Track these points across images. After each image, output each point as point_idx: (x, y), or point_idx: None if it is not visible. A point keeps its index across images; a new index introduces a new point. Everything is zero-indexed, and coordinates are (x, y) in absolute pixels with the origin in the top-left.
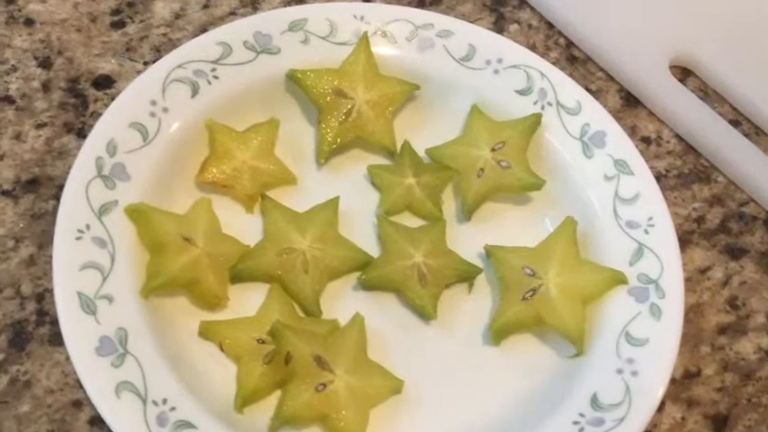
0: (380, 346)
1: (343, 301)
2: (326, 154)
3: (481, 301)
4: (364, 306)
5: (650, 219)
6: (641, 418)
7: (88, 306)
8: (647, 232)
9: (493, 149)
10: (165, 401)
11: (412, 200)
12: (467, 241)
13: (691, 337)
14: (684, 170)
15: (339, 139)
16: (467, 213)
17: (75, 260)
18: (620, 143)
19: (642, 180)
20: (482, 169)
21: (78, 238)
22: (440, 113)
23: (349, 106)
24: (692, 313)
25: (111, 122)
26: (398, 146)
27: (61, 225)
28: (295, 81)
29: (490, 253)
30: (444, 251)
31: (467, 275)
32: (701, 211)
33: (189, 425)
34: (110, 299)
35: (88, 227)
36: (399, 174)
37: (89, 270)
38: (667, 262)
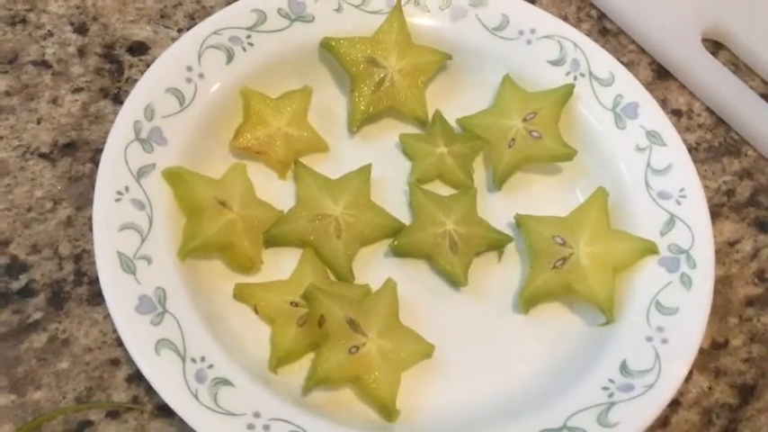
0: (411, 311)
1: (374, 268)
2: (359, 122)
3: (511, 270)
4: (395, 272)
5: (682, 190)
6: (671, 384)
7: (128, 266)
8: (678, 203)
9: (524, 120)
10: (203, 359)
11: (443, 169)
12: (497, 210)
13: (719, 309)
14: (715, 143)
15: (371, 108)
16: (497, 183)
17: (115, 221)
18: (652, 114)
19: (674, 151)
20: (513, 139)
21: (117, 200)
22: (471, 83)
23: (381, 75)
24: (721, 285)
25: (149, 87)
26: (430, 115)
27: (101, 186)
28: (328, 49)
29: (520, 222)
30: (475, 219)
31: (497, 244)
32: (730, 184)
33: (226, 382)
34: (148, 259)
35: (127, 189)
36: (431, 143)
37: (128, 231)
38: (699, 232)
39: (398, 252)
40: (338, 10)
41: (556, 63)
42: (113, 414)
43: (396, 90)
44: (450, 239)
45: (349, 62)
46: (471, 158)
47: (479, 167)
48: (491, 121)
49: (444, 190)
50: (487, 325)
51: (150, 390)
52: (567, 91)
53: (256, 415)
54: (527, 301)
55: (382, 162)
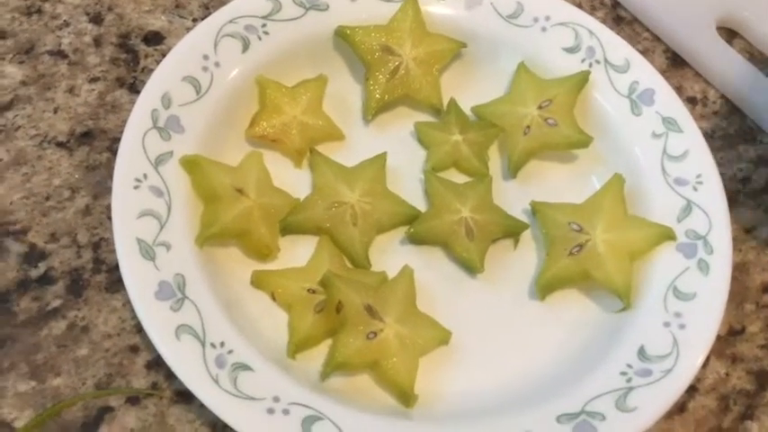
0: (428, 298)
1: (390, 255)
2: (373, 110)
3: (527, 257)
4: (412, 259)
5: (699, 176)
6: (689, 368)
7: (147, 252)
8: (695, 189)
9: (539, 107)
10: (222, 344)
11: (458, 157)
12: (512, 198)
13: (735, 295)
14: (730, 131)
15: (386, 96)
16: (513, 171)
17: (134, 208)
18: (668, 101)
19: (691, 137)
20: (528, 127)
21: (136, 187)
22: (486, 71)
23: (396, 63)
24: (737, 271)
25: (166, 75)
26: (445, 103)
27: (119, 173)
28: (343, 37)
29: (536, 209)
30: (491, 206)
31: (513, 231)
32: (746, 171)
33: (246, 367)
34: (167, 246)
35: (145, 176)
36: (446, 131)
37: (147, 218)
38: (716, 218)
39: (414, 239)
40: None
41: (571, 50)
42: (133, 400)
43: (410, 78)
44: (466, 226)
45: (364, 50)
46: (486, 146)
47: (494, 155)
48: (506, 109)
49: (459, 178)
50: (504, 312)
51: (169, 376)
52: (583, 78)
53: (276, 399)
54: (543, 287)
55: (397, 150)
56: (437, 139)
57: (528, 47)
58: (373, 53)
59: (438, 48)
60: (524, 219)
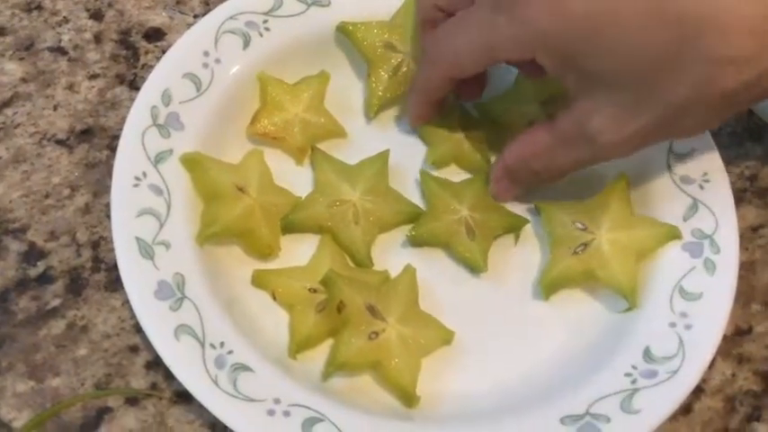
0: (431, 297)
1: (393, 255)
2: (376, 108)
3: (530, 255)
4: (414, 259)
5: (705, 174)
6: (695, 370)
7: (146, 251)
8: (701, 187)
9: (542, 104)
10: (222, 345)
11: (460, 153)
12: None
13: (742, 295)
14: (737, 128)
15: (389, 93)
16: None
17: (133, 206)
18: None
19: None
20: (531, 123)
21: (135, 185)
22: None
23: (399, 60)
24: (744, 271)
25: (166, 72)
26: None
27: (119, 171)
28: (345, 34)
29: (540, 208)
30: (489, 204)
31: (514, 226)
32: (753, 169)
33: (246, 368)
34: (167, 245)
35: (145, 174)
36: (447, 127)
37: (146, 216)
38: (722, 217)
39: (415, 242)
40: None
41: None
42: (132, 401)
43: (413, 75)
44: (466, 226)
45: (366, 47)
46: (488, 142)
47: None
48: (509, 106)
49: (460, 176)
50: (508, 311)
51: (169, 376)
52: None
53: (276, 401)
54: (547, 287)
55: (399, 148)
56: (439, 135)
57: None
58: (375, 50)
59: None
60: (528, 217)
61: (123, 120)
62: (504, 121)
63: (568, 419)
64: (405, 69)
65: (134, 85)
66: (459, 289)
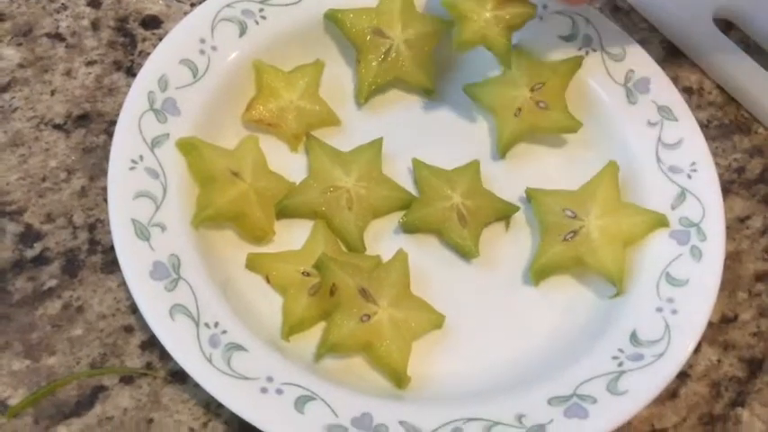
0: (422, 282)
1: (385, 239)
2: (366, 94)
3: (520, 242)
4: (406, 244)
5: (693, 164)
6: (680, 353)
7: (142, 232)
8: (689, 177)
9: (532, 89)
10: (216, 325)
11: (488, 33)
12: (503, 182)
13: (728, 284)
14: (725, 121)
15: (378, 80)
16: (501, 152)
17: (130, 189)
18: (664, 90)
19: (686, 126)
20: (519, 109)
21: (132, 168)
22: (479, 52)
23: (387, 46)
24: (731, 260)
25: (163, 58)
26: (437, 85)
27: (116, 154)
28: (334, 21)
29: (531, 195)
30: (481, 191)
31: (505, 213)
32: (741, 161)
33: (240, 347)
34: (162, 227)
35: (141, 158)
36: (478, 3)
37: (142, 199)
38: (709, 206)
39: (407, 228)
40: None
41: (568, 39)
42: (127, 379)
43: (402, 60)
44: (458, 212)
45: (354, 34)
46: (515, 25)
47: (483, 138)
48: (498, 90)
49: (453, 163)
50: (498, 296)
51: (163, 356)
52: (576, 63)
53: (269, 379)
54: (537, 273)
55: (392, 134)
56: (467, 10)
57: (524, 34)
58: (364, 36)
59: (429, 29)
60: (516, 203)
61: (120, 106)
62: (494, 106)
63: (556, 400)
64: (394, 55)
65: (131, 72)
66: (451, 274)
